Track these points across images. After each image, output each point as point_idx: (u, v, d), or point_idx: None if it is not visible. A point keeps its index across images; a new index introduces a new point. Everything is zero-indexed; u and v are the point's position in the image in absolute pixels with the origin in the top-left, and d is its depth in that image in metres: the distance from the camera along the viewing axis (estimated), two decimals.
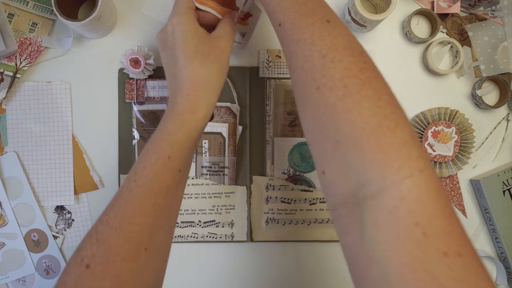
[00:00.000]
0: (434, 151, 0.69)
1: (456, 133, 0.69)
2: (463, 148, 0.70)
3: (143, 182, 0.47)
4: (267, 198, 0.69)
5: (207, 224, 0.69)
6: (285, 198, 0.69)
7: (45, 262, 0.68)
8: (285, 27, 0.46)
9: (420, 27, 0.71)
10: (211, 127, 0.69)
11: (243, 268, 0.70)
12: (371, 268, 0.36)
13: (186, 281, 0.70)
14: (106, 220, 0.45)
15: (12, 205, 0.68)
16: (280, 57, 0.69)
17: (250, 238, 0.70)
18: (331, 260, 0.71)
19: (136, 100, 0.68)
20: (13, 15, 0.67)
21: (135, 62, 0.65)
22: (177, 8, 0.54)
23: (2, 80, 0.67)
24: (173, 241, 0.68)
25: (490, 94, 0.72)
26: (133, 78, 0.68)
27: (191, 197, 0.69)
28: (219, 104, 0.69)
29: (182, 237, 0.69)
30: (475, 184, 0.71)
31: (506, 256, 0.70)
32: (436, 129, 0.69)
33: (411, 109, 0.71)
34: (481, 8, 0.71)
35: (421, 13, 0.70)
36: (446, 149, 0.69)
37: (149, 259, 0.46)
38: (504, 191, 0.70)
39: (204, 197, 0.69)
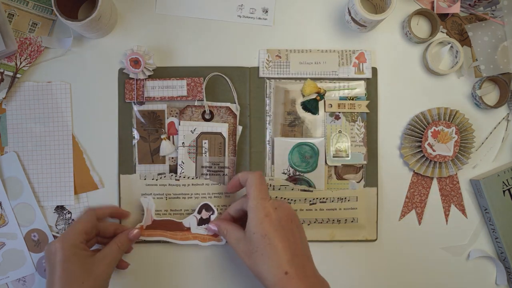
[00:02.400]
0: (434, 151, 0.69)
1: (456, 133, 0.69)
2: (463, 148, 0.70)
3: None
4: None
5: None
6: (285, 198, 0.69)
7: (45, 262, 0.68)
8: None
9: (420, 27, 0.71)
10: (211, 127, 0.69)
11: (243, 268, 0.70)
12: None
13: (186, 281, 0.70)
14: None
15: (12, 205, 0.68)
16: (280, 57, 0.69)
17: None
18: (331, 260, 0.71)
19: (136, 100, 0.68)
20: (13, 15, 0.67)
21: (135, 62, 0.65)
22: (67, 232, 0.61)
23: (2, 80, 0.67)
24: (173, 240, 0.68)
25: (490, 94, 0.72)
26: (133, 78, 0.68)
27: (191, 197, 0.69)
28: (219, 104, 0.69)
29: None
30: (475, 184, 0.71)
31: (506, 256, 0.70)
32: (436, 129, 0.69)
33: (411, 109, 0.71)
34: (481, 8, 0.71)
35: (421, 13, 0.70)
36: (446, 149, 0.69)
37: None
38: (504, 191, 0.70)
39: (204, 197, 0.69)
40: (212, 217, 0.67)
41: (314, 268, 0.57)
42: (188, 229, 0.68)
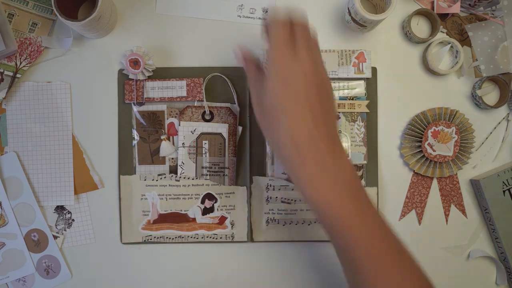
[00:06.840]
0: (434, 151, 0.69)
1: (456, 133, 0.69)
2: (463, 148, 0.70)
3: None
4: (267, 199, 0.69)
5: None
6: (285, 198, 0.69)
7: (45, 262, 0.68)
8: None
9: (420, 27, 0.71)
10: (211, 127, 0.69)
11: (243, 268, 0.70)
12: None
13: (186, 281, 0.70)
14: None
15: (12, 205, 0.68)
16: None
17: (251, 239, 0.70)
18: (331, 260, 0.71)
19: (136, 101, 0.68)
20: (13, 15, 0.67)
21: (134, 63, 0.65)
22: None
23: (2, 80, 0.67)
24: (174, 241, 0.69)
25: (490, 94, 0.72)
26: (133, 79, 0.68)
27: (192, 198, 0.69)
28: (219, 104, 0.69)
29: (183, 237, 0.69)
30: (475, 184, 0.71)
31: (506, 256, 0.70)
32: (436, 129, 0.69)
33: (411, 109, 0.71)
34: (481, 8, 0.71)
35: (421, 13, 0.70)
36: (446, 149, 0.69)
37: None
38: (504, 191, 0.70)
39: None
40: (216, 206, 0.69)
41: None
42: (194, 219, 0.69)
